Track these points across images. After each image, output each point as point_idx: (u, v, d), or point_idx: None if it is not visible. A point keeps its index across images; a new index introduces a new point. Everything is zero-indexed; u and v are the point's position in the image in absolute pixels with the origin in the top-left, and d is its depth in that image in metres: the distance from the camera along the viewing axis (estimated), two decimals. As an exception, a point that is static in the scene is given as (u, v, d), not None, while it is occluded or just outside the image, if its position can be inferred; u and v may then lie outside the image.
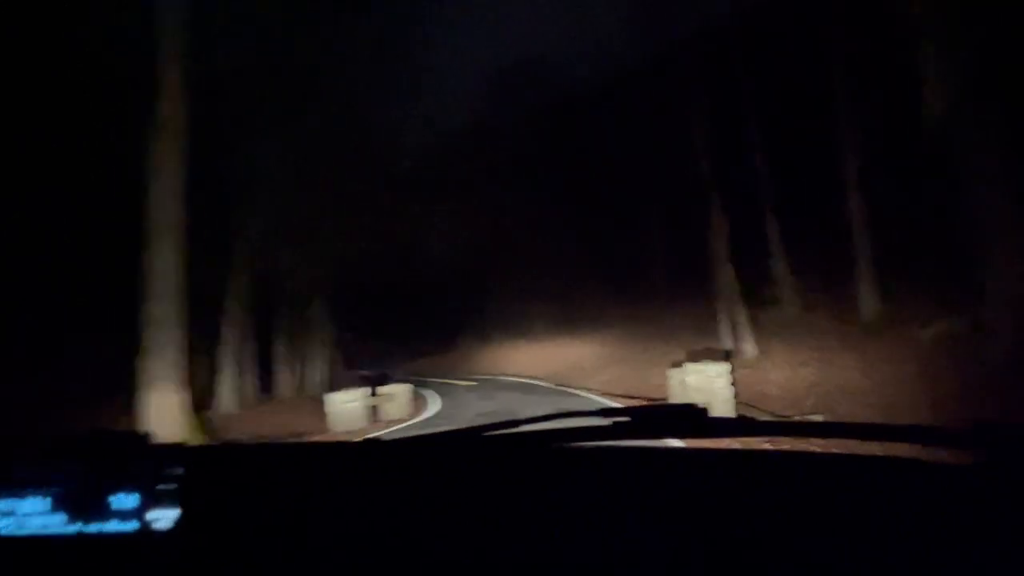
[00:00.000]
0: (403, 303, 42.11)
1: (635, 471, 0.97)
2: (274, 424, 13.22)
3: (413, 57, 22.18)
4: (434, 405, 14.79)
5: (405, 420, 11.52)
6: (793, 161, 16.81)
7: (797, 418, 7.94)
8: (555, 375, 20.68)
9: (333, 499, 0.93)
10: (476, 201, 27.58)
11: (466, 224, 28.27)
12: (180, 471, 0.94)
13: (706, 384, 7.81)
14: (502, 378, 24.33)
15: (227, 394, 16.18)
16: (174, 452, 1.08)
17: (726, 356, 9.81)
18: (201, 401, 18.38)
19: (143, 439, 1.10)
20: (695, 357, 8.66)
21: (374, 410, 10.88)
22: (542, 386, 19.46)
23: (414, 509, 0.89)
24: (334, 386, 23.02)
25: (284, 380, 21.53)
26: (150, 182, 8.44)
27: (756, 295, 15.62)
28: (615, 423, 1.01)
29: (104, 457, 1.00)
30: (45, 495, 0.91)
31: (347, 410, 9.46)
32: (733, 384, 8.10)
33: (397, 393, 12.42)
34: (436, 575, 0.80)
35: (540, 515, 0.85)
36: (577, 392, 16.56)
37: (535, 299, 29.47)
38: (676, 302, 20.87)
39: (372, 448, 1.21)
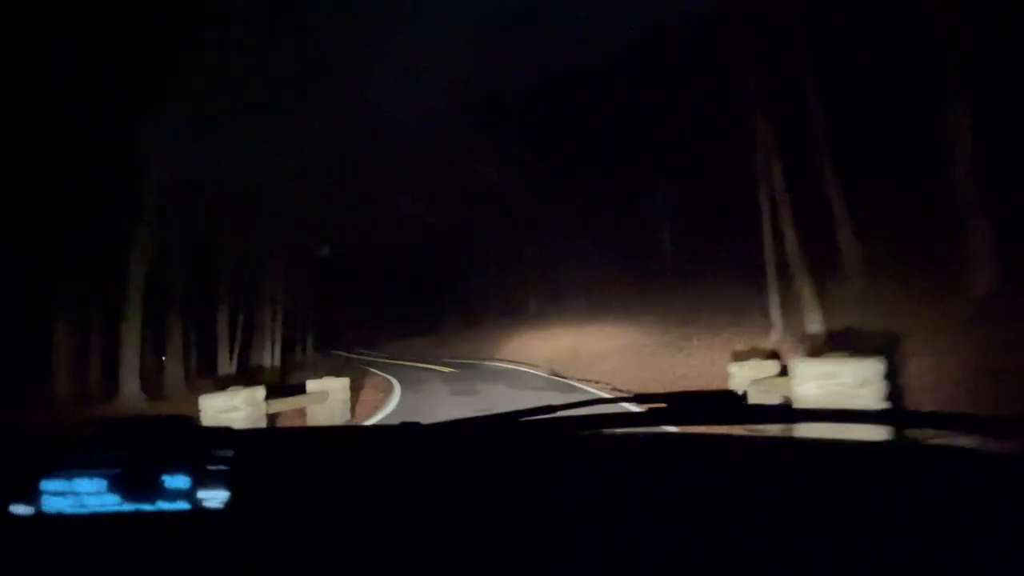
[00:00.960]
0: (386, 281, 39.21)
1: (669, 458, 0.97)
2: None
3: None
4: (389, 405, 11.17)
5: (336, 431, 7.96)
6: (855, 100, 13.19)
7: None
8: (549, 363, 17.22)
9: (376, 481, 0.94)
10: (468, 173, 24.31)
11: (458, 199, 25.98)
12: (229, 453, 0.96)
13: (840, 397, 4.20)
14: (488, 364, 21.00)
15: (129, 382, 12.54)
16: (222, 435, 1.09)
17: (881, 349, 6.12)
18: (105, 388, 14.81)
19: (191, 423, 1.17)
20: (815, 348, 5.09)
21: (273, 419, 7.17)
22: (534, 375, 16.09)
23: (454, 492, 0.90)
24: (297, 371, 19.52)
25: (224, 363, 17.80)
26: None
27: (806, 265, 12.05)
28: (651, 409, 1.01)
29: (155, 440, 1.05)
30: (100, 476, 0.93)
31: (227, 421, 5.87)
32: (897, 400, 4.49)
33: (332, 390, 8.79)
34: (474, 557, 0.79)
35: (574, 502, 0.84)
36: (578, 385, 13.19)
37: (528, 280, 26.57)
38: (690, 282, 17.33)
39: (412, 431, 1.05)
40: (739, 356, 7.23)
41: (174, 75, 12.19)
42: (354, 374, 19.05)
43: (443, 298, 37.06)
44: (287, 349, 29.06)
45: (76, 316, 14.05)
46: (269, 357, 20.05)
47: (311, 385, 8.77)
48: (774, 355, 8.26)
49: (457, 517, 0.84)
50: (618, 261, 21.31)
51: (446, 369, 19.53)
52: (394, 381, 15.86)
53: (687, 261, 18.48)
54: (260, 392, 6.77)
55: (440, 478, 0.92)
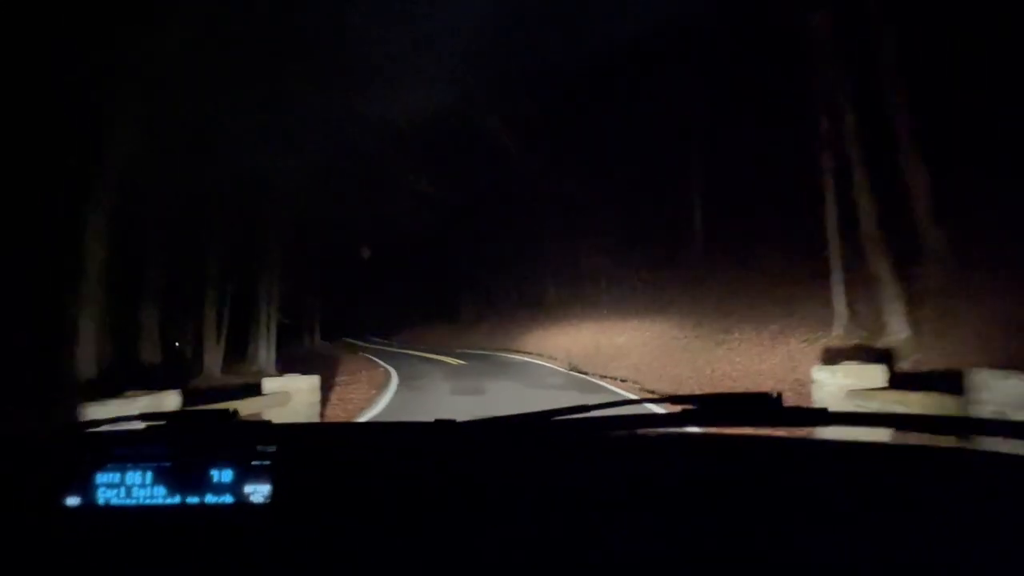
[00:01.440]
0: (403, 270, 37.70)
1: (702, 459, 0.96)
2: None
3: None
4: (374, 407, 9.43)
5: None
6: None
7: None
8: (568, 356, 15.42)
9: (412, 477, 0.94)
10: (488, 159, 22.89)
11: (477, 186, 24.75)
12: (272, 448, 0.97)
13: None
14: (502, 356, 19.34)
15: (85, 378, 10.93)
16: (265, 429, 1.09)
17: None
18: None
19: (234, 417, 1.13)
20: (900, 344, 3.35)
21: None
22: (551, 370, 14.36)
23: (487, 489, 0.90)
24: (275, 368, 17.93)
25: (211, 357, 16.18)
26: None
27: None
28: (684, 410, 0.99)
29: (200, 434, 1.07)
30: (147, 469, 0.94)
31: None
32: None
33: (296, 391, 7.09)
34: (508, 553, 0.79)
35: (605, 501, 0.84)
36: (602, 384, 11.44)
37: (548, 268, 25.14)
38: (726, 268, 15.38)
39: (448, 428, 1.05)
40: (828, 357, 5.39)
41: (145, 38, 10.49)
42: (353, 365, 17.47)
43: (461, 287, 35.61)
44: (293, 338, 27.56)
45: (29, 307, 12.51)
46: (264, 348, 18.43)
47: (268, 385, 7.02)
48: (883, 356, 6.33)
49: (491, 513, 0.85)
50: (644, 247, 19.40)
51: (454, 361, 17.83)
52: (393, 375, 14.16)
53: (721, 245, 16.49)
54: (170, 399, 5.08)
55: (474, 475, 0.93)
